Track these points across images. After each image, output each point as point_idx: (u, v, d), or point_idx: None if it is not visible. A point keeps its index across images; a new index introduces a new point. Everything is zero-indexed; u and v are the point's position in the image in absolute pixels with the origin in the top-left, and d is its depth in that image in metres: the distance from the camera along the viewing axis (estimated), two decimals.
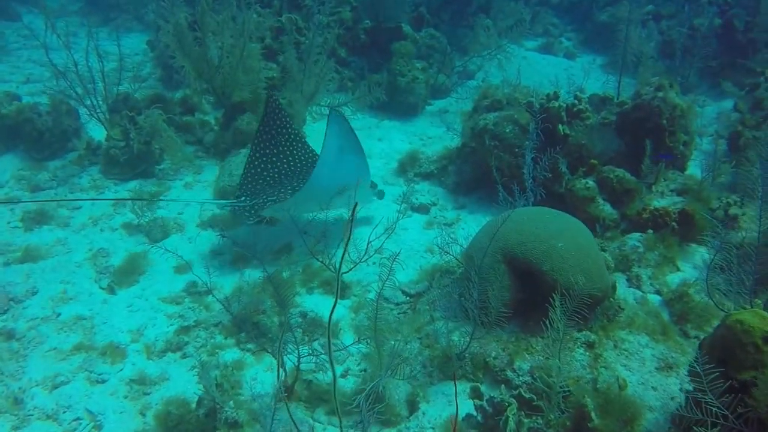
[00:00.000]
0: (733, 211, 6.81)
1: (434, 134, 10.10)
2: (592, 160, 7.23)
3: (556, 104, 7.22)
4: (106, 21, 15.50)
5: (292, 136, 7.11)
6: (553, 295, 4.30)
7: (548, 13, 16.28)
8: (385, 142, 9.85)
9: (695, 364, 3.38)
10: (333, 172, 6.15)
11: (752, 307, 4.15)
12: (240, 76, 8.59)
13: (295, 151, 7.11)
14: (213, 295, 5.41)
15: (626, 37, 8.34)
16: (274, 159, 7.03)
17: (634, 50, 8.76)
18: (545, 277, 4.90)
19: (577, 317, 4.39)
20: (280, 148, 7.03)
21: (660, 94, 7.39)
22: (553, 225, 5.08)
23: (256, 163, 6.96)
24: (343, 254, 3.51)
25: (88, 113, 8.93)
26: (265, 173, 6.95)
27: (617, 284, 5.77)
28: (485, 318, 4.94)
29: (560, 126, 7.24)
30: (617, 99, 8.23)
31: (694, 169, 8.00)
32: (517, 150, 7.48)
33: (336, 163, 6.14)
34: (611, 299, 5.39)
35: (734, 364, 3.44)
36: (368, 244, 6.34)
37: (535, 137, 6.04)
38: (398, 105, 10.67)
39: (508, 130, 7.59)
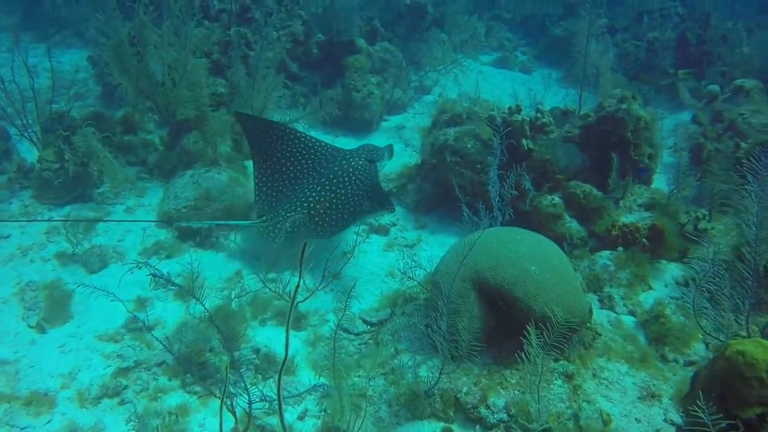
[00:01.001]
0: (702, 225, 6.58)
1: None
2: (558, 176, 6.94)
3: (519, 118, 6.92)
4: (45, 37, 14.71)
5: (283, 137, 6.87)
6: (528, 325, 3.93)
7: (502, 27, 16.20)
8: None
9: (698, 411, 3.00)
10: None
11: (749, 335, 3.83)
12: (184, 93, 8.06)
13: (294, 150, 6.89)
14: (152, 335, 4.86)
15: (586, 50, 8.12)
16: (279, 166, 6.81)
17: (594, 63, 8.56)
18: (519, 303, 4.52)
19: (556, 351, 4.01)
20: (279, 155, 6.82)
21: (623, 106, 7.17)
22: (524, 247, 4.71)
23: (264, 179, 6.77)
24: (297, 285, 3.06)
25: (19, 133, 8.26)
26: (277, 184, 6.76)
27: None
28: (455, 351, 4.53)
29: (524, 140, 6.94)
30: (579, 112, 8.01)
31: (658, 182, 7.80)
32: (479, 166, 7.14)
33: None
34: (588, 324, 5.05)
35: (736, 400, 3.11)
36: (325, 270, 5.91)
37: (499, 153, 5.69)
38: (353, 121, 10.27)
39: (469, 146, 7.25)
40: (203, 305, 4.48)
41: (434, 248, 7.25)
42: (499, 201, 5.76)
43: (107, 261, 6.72)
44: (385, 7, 13.10)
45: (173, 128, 8.46)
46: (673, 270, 6.48)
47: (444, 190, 7.73)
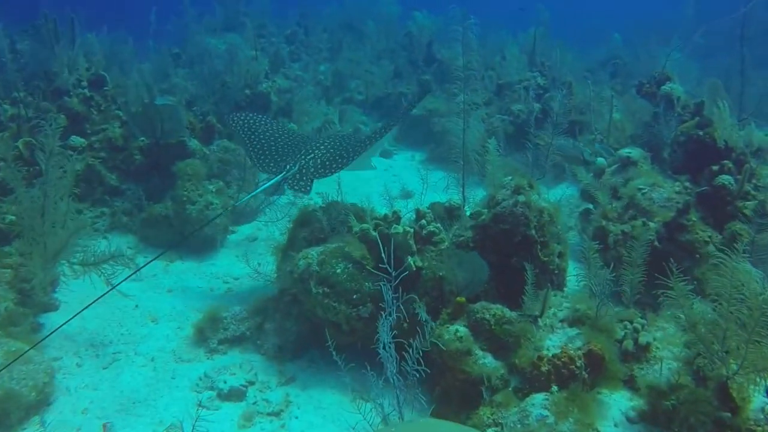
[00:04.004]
0: (643, 338, 5.21)
1: (242, 273, 7.81)
2: (458, 298, 5.35)
3: (400, 230, 5.30)
4: None
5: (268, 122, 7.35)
6: None
7: (355, 110, 14.99)
8: (177, 294, 7.35)
9: None
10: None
11: None
12: None
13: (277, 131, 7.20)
14: None
15: (465, 131, 6.79)
16: (269, 138, 6.95)
17: (471, 144, 7.25)
18: None
19: None
20: (265, 134, 7.03)
21: (521, 197, 5.81)
22: None
23: (259, 151, 6.79)
24: None
25: None
26: (271, 149, 6.80)
27: None
28: None
29: (410, 258, 5.32)
30: (464, 206, 6.61)
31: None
32: (355, 297, 5.42)
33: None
34: None
35: None
36: None
37: (392, 302, 3.99)
38: (191, 239, 8.28)
39: (339, 271, 5.51)
40: None
41: (309, 413, 5.37)
42: (397, 376, 4.00)
43: None
44: (221, 100, 11.42)
45: None
46: (619, 401, 4.99)
47: (312, 327, 5.95)
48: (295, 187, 6.24)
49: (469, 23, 6.49)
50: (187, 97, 11.55)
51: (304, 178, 6.26)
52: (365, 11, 19.16)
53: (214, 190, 8.54)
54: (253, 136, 6.98)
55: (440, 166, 11.86)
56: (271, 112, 11.75)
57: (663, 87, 9.60)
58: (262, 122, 7.30)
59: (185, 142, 9.02)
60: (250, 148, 6.87)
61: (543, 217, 5.85)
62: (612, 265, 6.05)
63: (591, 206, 8.41)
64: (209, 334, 6.19)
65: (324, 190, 9.31)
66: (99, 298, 5.55)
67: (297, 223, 6.44)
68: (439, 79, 15.48)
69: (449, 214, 6.46)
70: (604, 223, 7.34)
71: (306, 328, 6.00)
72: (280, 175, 6.27)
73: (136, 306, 6.95)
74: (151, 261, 6.27)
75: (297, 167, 6.32)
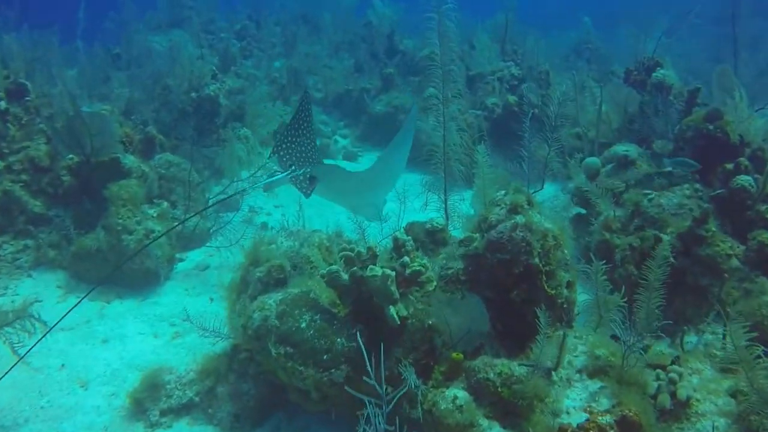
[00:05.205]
0: (683, 393, 4.25)
1: (192, 311, 6.62)
2: (454, 354, 4.31)
3: (379, 272, 4.21)
4: None
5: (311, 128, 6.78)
6: None
7: (315, 109, 13.80)
8: (113, 346, 6.16)
9: None
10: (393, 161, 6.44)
11: None
12: None
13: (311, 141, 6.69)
14: None
15: (445, 132, 5.76)
16: (300, 140, 6.45)
17: (452, 146, 6.24)
18: None
19: None
20: (305, 135, 6.54)
21: (520, 218, 4.77)
22: None
23: (289, 141, 6.38)
24: None
25: None
26: (297, 151, 6.38)
27: None
28: None
29: (392, 309, 4.24)
30: (450, 228, 5.59)
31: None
32: (326, 357, 4.33)
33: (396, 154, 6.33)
34: None
35: None
36: None
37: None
38: (130, 273, 7.10)
39: (304, 325, 4.42)
40: None
41: None
42: None
43: None
44: (162, 107, 10.16)
45: None
46: None
47: (274, 389, 4.87)
48: (298, 186, 6.16)
49: (445, 8, 5.45)
50: (124, 104, 10.26)
51: (307, 183, 6.17)
52: (320, 1, 17.95)
53: (155, 214, 7.36)
54: (300, 117, 6.67)
55: (409, 168, 10.82)
56: (220, 117, 10.56)
57: (654, 74, 8.71)
58: (308, 116, 6.87)
59: (119, 159, 7.77)
60: (290, 126, 6.63)
61: (547, 241, 4.82)
62: (623, 288, 5.10)
63: (583, 211, 7.49)
64: (149, 404, 5.04)
65: (284, 203, 8.25)
66: (8, 370, 4.49)
67: (251, 258, 5.32)
68: (403, 72, 14.41)
69: (431, 237, 5.40)
70: (607, 236, 6.37)
71: (267, 389, 4.91)
72: (285, 173, 6.09)
73: (63, 365, 5.78)
74: (68, 312, 5.08)
75: (302, 172, 6.18)
